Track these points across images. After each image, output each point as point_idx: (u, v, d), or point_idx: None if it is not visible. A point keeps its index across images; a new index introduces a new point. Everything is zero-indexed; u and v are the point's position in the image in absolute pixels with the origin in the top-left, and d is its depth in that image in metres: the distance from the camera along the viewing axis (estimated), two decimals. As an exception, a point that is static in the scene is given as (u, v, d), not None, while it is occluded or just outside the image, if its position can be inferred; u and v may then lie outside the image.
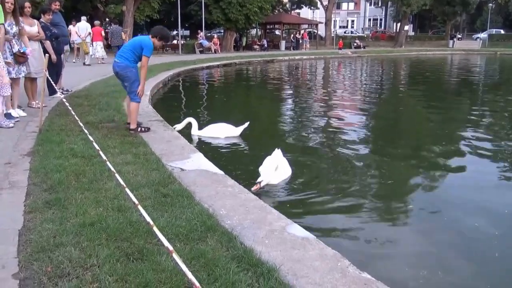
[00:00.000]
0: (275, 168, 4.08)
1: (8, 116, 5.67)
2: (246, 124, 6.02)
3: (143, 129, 5.39)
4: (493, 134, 7.11)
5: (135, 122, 5.36)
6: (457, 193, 4.29)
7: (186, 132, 6.17)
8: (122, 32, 17.82)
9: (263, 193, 3.99)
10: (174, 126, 5.95)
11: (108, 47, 19.85)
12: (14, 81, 6.13)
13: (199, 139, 6.10)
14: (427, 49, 38.56)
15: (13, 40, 5.81)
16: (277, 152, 4.38)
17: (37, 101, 6.75)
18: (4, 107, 5.61)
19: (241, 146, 5.86)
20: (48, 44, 7.24)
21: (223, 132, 6.08)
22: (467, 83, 15.74)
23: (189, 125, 6.21)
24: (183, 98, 11.23)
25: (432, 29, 54.37)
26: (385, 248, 3.16)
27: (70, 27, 15.97)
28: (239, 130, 6.05)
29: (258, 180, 3.84)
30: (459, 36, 46.47)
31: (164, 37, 5.31)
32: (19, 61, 5.94)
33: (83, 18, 16.96)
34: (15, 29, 5.82)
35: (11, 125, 5.32)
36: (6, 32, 5.71)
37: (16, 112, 5.97)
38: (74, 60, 16.74)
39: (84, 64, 15.70)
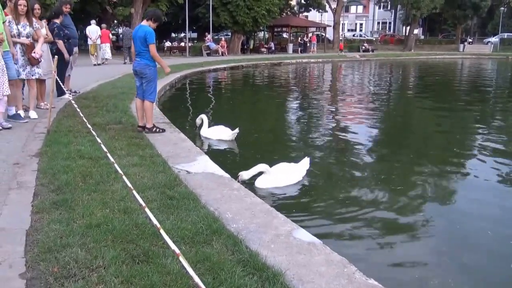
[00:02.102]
0: (258, 171, 4.17)
1: (17, 116, 5.72)
2: (237, 130, 6.04)
3: (158, 129, 5.48)
4: (504, 140, 7.01)
5: (151, 121, 5.47)
6: (468, 201, 4.23)
7: (191, 134, 6.21)
8: None
9: (269, 197, 3.98)
10: (196, 121, 6.51)
11: (117, 49, 20.24)
12: (28, 82, 6.22)
13: (204, 141, 6.15)
14: (436, 53, 38.28)
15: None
16: (305, 161, 4.47)
17: (45, 102, 6.82)
18: (9, 107, 5.65)
19: (247, 149, 5.85)
20: (61, 43, 7.35)
21: (215, 135, 6.20)
22: (478, 88, 15.58)
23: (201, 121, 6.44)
24: (190, 101, 11.27)
25: (442, 32, 53.92)
26: (392, 255, 3.13)
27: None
28: (232, 134, 6.07)
29: (238, 174, 4.09)
30: (470, 40, 45.98)
31: (158, 19, 5.36)
32: (32, 63, 6.01)
33: (93, 22, 17.88)
34: (28, 29, 5.92)
35: (10, 125, 5.31)
36: (19, 33, 5.82)
37: (25, 114, 6.01)
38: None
39: (94, 65, 16.48)
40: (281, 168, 4.35)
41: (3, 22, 5.42)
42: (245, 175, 4.15)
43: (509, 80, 19.47)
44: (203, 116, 6.42)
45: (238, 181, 3.95)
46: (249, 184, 4.21)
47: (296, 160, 4.66)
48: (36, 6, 6.55)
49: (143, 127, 5.48)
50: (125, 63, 17.58)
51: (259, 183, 4.20)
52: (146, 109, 5.39)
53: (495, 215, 3.87)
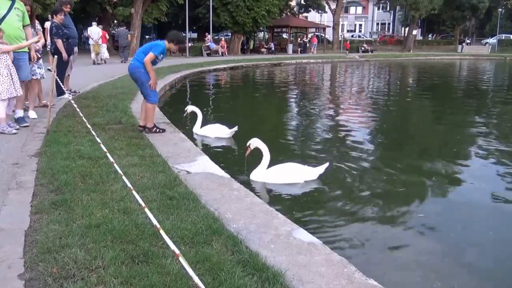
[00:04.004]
0: (257, 147, 4.42)
1: (21, 120, 5.62)
2: (235, 128, 6.12)
3: (158, 129, 5.48)
4: (504, 140, 7.02)
5: (152, 121, 5.46)
6: (469, 201, 4.23)
7: (191, 134, 6.21)
8: (128, 34, 20.20)
9: (269, 197, 3.97)
10: (186, 108, 6.53)
11: (117, 48, 20.62)
12: (29, 82, 6.19)
13: (204, 140, 6.16)
14: (435, 54, 38.34)
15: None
16: (323, 166, 4.44)
17: (44, 101, 6.81)
18: (16, 110, 5.61)
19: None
20: (60, 42, 7.33)
21: (213, 133, 6.27)
22: (477, 89, 15.61)
23: (194, 115, 6.48)
24: (190, 101, 11.26)
25: (441, 33, 54.05)
26: (392, 255, 3.13)
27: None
28: (230, 132, 6.15)
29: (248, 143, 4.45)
30: (468, 41, 46.11)
31: (180, 41, 5.46)
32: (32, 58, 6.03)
33: (94, 23, 18.80)
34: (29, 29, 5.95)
35: (14, 131, 5.13)
36: None
37: (24, 113, 5.98)
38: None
39: (94, 63, 17.20)
40: (281, 166, 4.38)
41: (25, 26, 5.42)
42: (257, 141, 4.42)
43: (507, 81, 19.50)
44: (197, 110, 6.42)
45: (249, 150, 4.42)
46: (249, 183, 4.22)
47: (300, 160, 4.66)
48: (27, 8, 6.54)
49: (143, 127, 5.46)
50: (122, 62, 18.33)
51: (252, 175, 4.36)
52: (147, 110, 5.37)
53: (496, 215, 3.87)
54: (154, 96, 5.40)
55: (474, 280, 2.86)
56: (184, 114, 6.63)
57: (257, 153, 4.45)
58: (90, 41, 17.81)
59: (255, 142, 4.40)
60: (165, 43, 5.25)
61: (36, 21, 6.29)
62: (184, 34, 34.63)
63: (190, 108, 6.55)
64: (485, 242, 3.35)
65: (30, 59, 6.07)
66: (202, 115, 6.48)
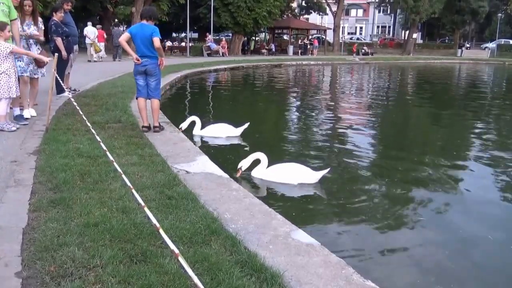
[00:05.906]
0: (255, 158, 4.41)
1: (20, 118, 5.60)
2: (246, 125, 6.16)
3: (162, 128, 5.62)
4: (503, 143, 7.03)
5: (158, 120, 5.56)
6: (468, 205, 4.24)
7: (191, 134, 6.19)
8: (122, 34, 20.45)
9: (268, 198, 3.97)
10: (180, 126, 6.12)
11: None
12: (31, 81, 6.17)
13: (204, 140, 6.13)
14: (435, 58, 38.40)
15: (31, 40, 5.91)
16: (323, 170, 4.39)
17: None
18: (14, 108, 5.59)
19: (247, 149, 5.84)
20: (59, 41, 7.31)
21: (223, 132, 6.25)
22: (476, 92, 15.63)
23: (192, 124, 6.32)
24: (190, 101, 11.26)
25: (441, 37, 54.16)
26: (390, 257, 3.13)
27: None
28: (239, 130, 6.21)
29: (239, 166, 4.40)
30: (468, 45, 46.21)
31: (156, 18, 5.44)
32: (39, 65, 5.99)
33: (89, 23, 19.44)
34: (32, 28, 5.92)
35: (14, 128, 5.10)
36: (22, 31, 5.81)
37: (29, 112, 5.96)
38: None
39: (88, 61, 17.73)
40: (283, 165, 4.42)
41: (12, 20, 5.38)
42: (245, 162, 4.39)
43: (505, 85, 19.53)
44: (195, 118, 6.28)
45: (240, 172, 4.34)
46: (248, 184, 4.21)
47: (301, 162, 4.67)
48: (27, 2, 6.49)
49: (148, 127, 5.42)
50: (114, 60, 19.08)
51: (253, 172, 4.44)
52: (157, 108, 5.47)
53: (496, 217, 3.88)
54: (160, 92, 5.55)
55: (474, 282, 2.86)
56: (182, 128, 6.12)
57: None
58: (87, 40, 18.42)
59: (244, 162, 4.40)
60: (151, 24, 5.26)
61: (40, 19, 6.23)
62: (184, 34, 34.76)
63: (184, 125, 6.15)
64: (484, 244, 3.35)
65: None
66: (199, 119, 6.33)
